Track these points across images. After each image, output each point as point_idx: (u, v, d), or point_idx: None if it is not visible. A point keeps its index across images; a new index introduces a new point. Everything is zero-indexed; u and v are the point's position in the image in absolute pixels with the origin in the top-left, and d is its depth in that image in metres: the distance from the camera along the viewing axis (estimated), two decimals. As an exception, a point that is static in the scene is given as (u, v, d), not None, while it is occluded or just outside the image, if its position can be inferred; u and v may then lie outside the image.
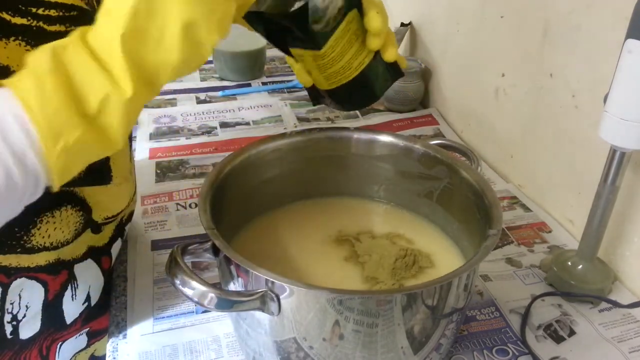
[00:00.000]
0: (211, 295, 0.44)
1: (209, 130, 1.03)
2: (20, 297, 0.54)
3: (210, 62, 1.26)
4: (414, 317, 0.46)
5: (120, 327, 0.62)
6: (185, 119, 1.07)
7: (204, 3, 0.38)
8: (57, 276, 0.56)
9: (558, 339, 0.61)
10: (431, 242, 0.63)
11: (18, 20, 0.44)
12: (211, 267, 0.69)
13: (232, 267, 0.48)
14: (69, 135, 0.37)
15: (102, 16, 0.38)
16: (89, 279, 0.61)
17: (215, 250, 0.49)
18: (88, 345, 0.64)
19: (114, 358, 0.58)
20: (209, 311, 0.63)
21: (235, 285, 0.49)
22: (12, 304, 0.53)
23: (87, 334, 0.63)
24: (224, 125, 1.05)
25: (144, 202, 0.82)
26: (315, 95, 0.58)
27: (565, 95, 0.76)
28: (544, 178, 0.83)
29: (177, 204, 0.83)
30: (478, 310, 0.64)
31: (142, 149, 0.96)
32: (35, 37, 0.45)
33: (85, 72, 0.37)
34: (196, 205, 0.81)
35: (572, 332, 0.62)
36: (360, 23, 0.51)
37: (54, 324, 0.58)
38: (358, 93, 0.56)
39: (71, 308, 0.59)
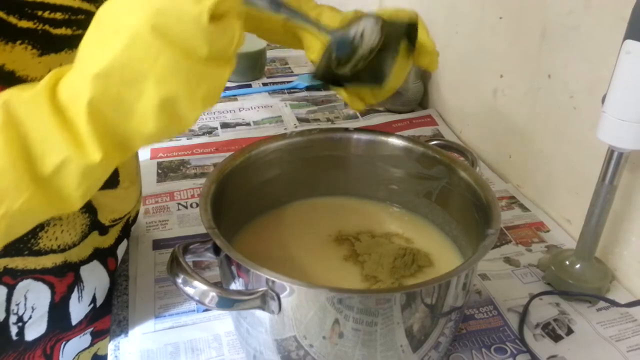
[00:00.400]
0: (212, 294, 0.44)
1: (210, 131, 1.04)
2: (26, 299, 0.53)
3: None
4: (413, 315, 0.47)
5: (122, 325, 0.62)
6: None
7: (189, 77, 0.33)
8: (64, 278, 0.56)
9: (556, 338, 0.61)
10: (430, 242, 0.63)
11: (24, 24, 0.43)
12: (212, 266, 0.70)
13: (233, 267, 0.49)
14: (14, 200, 0.33)
15: (76, 66, 0.34)
16: (95, 281, 0.61)
17: (216, 250, 0.50)
18: (91, 345, 0.65)
19: (116, 356, 0.59)
20: (210, 310, 0.63)
21: (236, 284, 0.50)
22: (17, 305, 0.53)
23: (91, 333, 0.64)
24: (224, 125, 1.06)
25: (145, 202, 0.83)
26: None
27: (563, 96, 0.76)
28: (542, 178, 0.84)
29: (179, 203, 0.83)
30: (476, 309, 0.65)
31: (144, 149, 0.97)
32: (41, 41, 0.44)
33: (43, 131, 0.33)
34: (197, 205, 0.82)
35: (570, 331, 0.62)
36: (406, 44, 0.54)
37: (59, 325, 0.58)
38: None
39: (77, 309, 0.59)
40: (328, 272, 0.59)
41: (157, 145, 0.98)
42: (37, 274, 0.53)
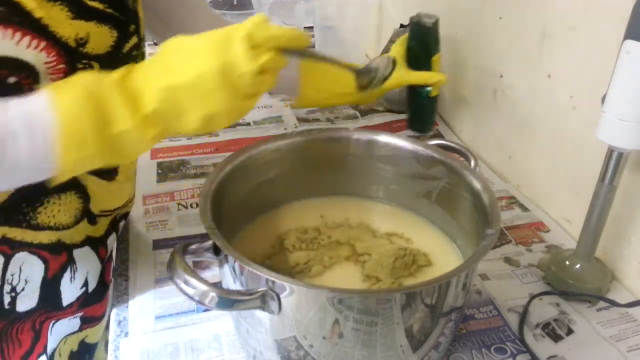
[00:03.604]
0: (212, 294, 0.44)
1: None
2: (20, 270, 0.57)
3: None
4: (413, 315, 0.47)
5: (122, 325, 0.62)
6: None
7: (229, 105, 0.45)
8: (58, 256, 0.59)
9: (556, 338, 0.61)
10: (430, 242, 0.63)
11: None
12: (212, 266, 0.70)
13: (233, 266, 0.49)
14: (86, 149, 0.44)
15: (152, 65, 0.46)
16: (87, 265, 0.63)
17: (216, 250, 0.50)
18: (80, 330, 0.66)
19: (116, 356, 0.59)
20: (210, 310, 0.63)
21: (235, 284, 0.50)
22: (12, 275, 0.56)
23: (81, 318, 0.65)
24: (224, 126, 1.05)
25: (145, 202, 0.83)
26: None
27: (563, 96, 0.76)
28: (542, 178, 0.84)
29: (179, 203, 0.83)
30: (476, 309, 0.65)
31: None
32: (76, 7, 0.50)
33: (117, 106, 0.44)
34: (197, 205, 0.82)
35: (570, 331, 0.62)
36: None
37: (50, 302, 0.61)
38: None
39: (69, 290, 0.62)
40: (328, 272, 0.59)
41: (157, 146, 0.98)
42: (33, 248, 0.57)
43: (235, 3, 1.22)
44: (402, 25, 1.20)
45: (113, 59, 0.55)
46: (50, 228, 0.57)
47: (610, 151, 0.60)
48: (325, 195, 0.69)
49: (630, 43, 0.54)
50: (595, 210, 0.63)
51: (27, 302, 0.59)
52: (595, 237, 0.65)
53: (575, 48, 0.73)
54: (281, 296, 0.45)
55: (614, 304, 0.66)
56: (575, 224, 0.77)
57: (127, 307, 0.65)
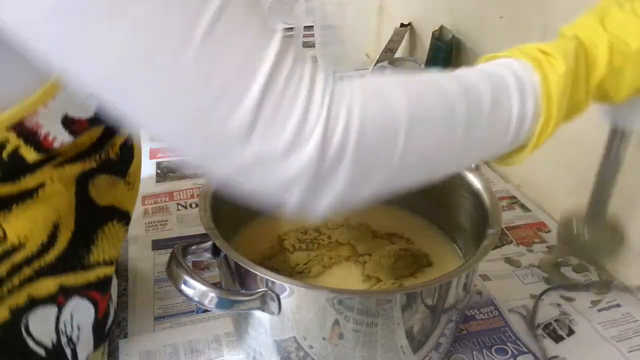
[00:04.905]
0: (211, 294, 0.44)
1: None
2: (72, 317, 0.51)
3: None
4: (414, 316, 0.47)
5: (121, 326, 0.62)
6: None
7: None
8: (106, 294, 0.55)
9: (557, 338, 0.61)
10: (430, 242, 0.63)
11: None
12: (211, 266, 0.70)
13: (232, 267, 0.49)
14: (555, 123, 0.43)
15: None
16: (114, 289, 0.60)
17: (216, 250, 0.50)
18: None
19: (115, 357, 0.58)
20: (210, 310, 0.63)
21: (235, 285, 0.50)
22: (65, 324, 0.51)
23: None
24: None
25: (144, 202, 0.83)
26: None
27: (564, 95, 0.76)
28: (543, 178, 0.83)
29: (178, 203, 0.83)
30: (477, 310, 0.65)
31: (143, 149, 0.96)
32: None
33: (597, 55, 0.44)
34: (196, 205, 0.82)
35: (571, 332, 0.62)
36: None
37: (101, 343, 0.56)
38: None
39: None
40: (328, 273, 0.59)
41: (156, 145, 0.98)
42: (83, 290, 0.51)
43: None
44: (402, 25, 1.20)
45: None
46: (99, 264, 0.52)
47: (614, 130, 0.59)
48: (325, 195, 0.69)
49: None
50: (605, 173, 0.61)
51: (84, 349, 0.54)
52: (606, 197, 0.62)
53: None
54: (281, 297, 0.45)
55: (622, 289, 0.65)
56: (576, 224, 0.77)
57: (126, 307, 0.64)
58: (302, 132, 0.33)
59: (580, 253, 0.64)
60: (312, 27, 1.26)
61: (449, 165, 0.42)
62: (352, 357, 0.47)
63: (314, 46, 1.25)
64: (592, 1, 0.69)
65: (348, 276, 0.58)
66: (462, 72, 0.41)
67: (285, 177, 0.34)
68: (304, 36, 1.25)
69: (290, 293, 0.45)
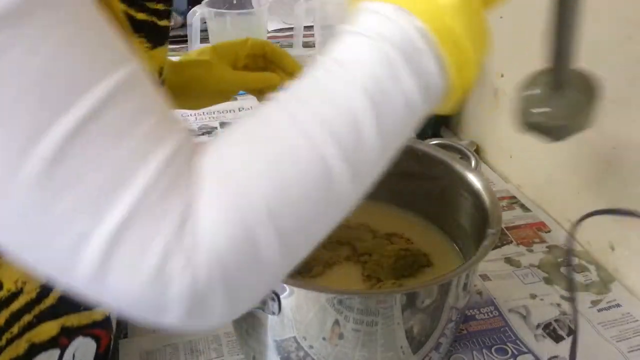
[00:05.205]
0: (212, 294, 0.44)
1: (210, 131, 1.03)
2: (74, 357, 0.49)
3: (210, 62, 1.26)
4: (414, 316, 0.47)
5: (121, 326, 0.62)
6: (185, 119, 1.07)
7: None
8: (109, 330, 0.53)
9: (557, 338, 0.61)
10: (430, 242, 0.63)
11: (140, 16, 0.43)
12: (211, 266, 0.69)
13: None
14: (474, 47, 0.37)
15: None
16: None
17: (216, 250, 0.50)
18: None
19: (115, 357, 0.58)
20: (210, 311, 0.63)
21: (235, 285, 0.49)
22: None
23: None
24: (224, 125, 1.05)
25: (144, 202, 0.82)
26: None
27: (564, 95, 0.76)
28: (543, 178, 0.83)
29: (178, 204, 0.83)
30: (477, 310, 0.65)
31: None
32: (151, 33, 0.44)
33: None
34: (196, 205, 0.81)
35: (571, 332, 0.62)
36: None
37: None
38: None
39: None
40: (329, 272, 0.59)
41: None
42: (87, 329, 0.50)
43: (234, 2, 1.21)
44: (402, 25, 1.20)
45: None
46: None
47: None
48: (325, 195, 0.69)
49: None
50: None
51: None
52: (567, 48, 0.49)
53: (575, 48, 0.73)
54: (281, 297, 0.45)
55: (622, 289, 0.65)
56: (576, 224, 0.77)
57: (127, 307, 0.64)
58: (162, 275, 0.28)
59: (549, 119, 0.51)
60: (312, 27, 1.26)
61: (335, 218, 0.35)
62: (352, 357, 0.47)
63: (314, 46, 1.25)
64: (591, 1, 0.69)
65: (348, 276, 0.58)
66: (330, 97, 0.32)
67: (155, 309, 0.29)
68: (304, 36, 1.25)
69: (290, 293, 0.45)
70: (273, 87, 0.65)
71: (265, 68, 0.66)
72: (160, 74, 0.45)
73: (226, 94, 0.67)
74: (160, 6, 0.45)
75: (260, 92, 0.66)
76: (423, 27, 0.32)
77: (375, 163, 0.34)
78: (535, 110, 0.49)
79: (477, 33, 0.36)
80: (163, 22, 0.45)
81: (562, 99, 0.49)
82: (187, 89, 0.61)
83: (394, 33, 0.32)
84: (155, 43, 0.44)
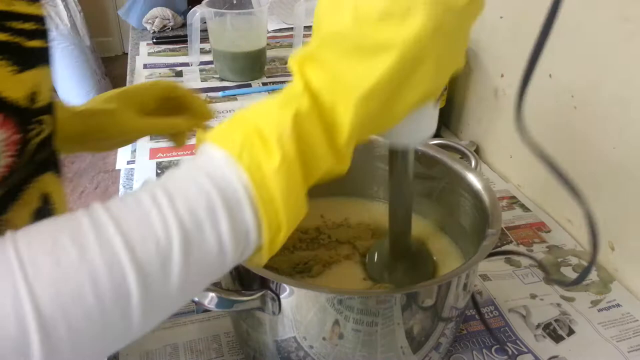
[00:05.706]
0: (211, 294, 0.44)
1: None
2: None
3: (210, 62, 1.27)
4: (414, 316, 0.47)
5: (121, 326, 0.62)
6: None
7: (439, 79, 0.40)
8: None
9: (557, 338, 0.61)
10: (430, 242, 0.63)
11: (1, 37, 0.39)
12: (211, 266, 0.69)
13: (232, 267, 0.48)
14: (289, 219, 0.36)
15: (337, 87, 0.36)
16: None
17: (216, 250, 0.50)
18: None
19: (115, 357, 0.58)
20: (210, 310, 0.63)
21: (235, 285, 0.49)
22: None
23: None
24: (224, 125, 1.05)
25: (144, 202, 0.82)
26: None
27: (564, 95, 0.76)
28: (543, 178, 0.83)
29: (178, 204, 0.83)
30: (477, 310, 0.65)
31: (143, 149, 0.97)
32: (15, 55, 0.40)
33: (316, 146, 0.37)
34: (196, 205, 0.81)
35: (571, 332, 0.62)
36: None
37: None
38: None
39: None
40: (329, 272, 0.59)
41: (156, 145, 0.98)
42: None
43: (234, 2, 1.21)
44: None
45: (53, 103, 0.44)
46: None
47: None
48: (325, 196, 0.69)
49: None
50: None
51: None
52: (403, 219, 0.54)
53: (576, 47, 0.73)
54: (281, 297, 0.45)
55: (622, 289, 0.65)
56: (576, 224, 0.77)
57: (127, 307, 0.64)
58: None
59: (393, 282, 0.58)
60: (312, 27, 1.26)
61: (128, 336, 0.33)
62: (352, 357, 0.47)
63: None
64: (591, 1, 0.70)
65: (348, 275, 0.58)
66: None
67: None
68: (304, 36, 1.25)
69: (290, 293, 0.45)
70: (181, 133, 0.68)
71: (178, 109, 0.66)
72: (33, 100, 0.41)
73: (130, 141, 0.69)
74: (28, 25, 0.41)
75: (171, 137, 0.67)
76: (248, 182, 0.34)
77: (173, 300, 0.33)
78: None
79: (294, 202, 0.36)
80: (33, 43, 0.41)
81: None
82: (89, 136, 0.61)
83: (221, 181, 0.33)
84: (23, 66, 0.40)
